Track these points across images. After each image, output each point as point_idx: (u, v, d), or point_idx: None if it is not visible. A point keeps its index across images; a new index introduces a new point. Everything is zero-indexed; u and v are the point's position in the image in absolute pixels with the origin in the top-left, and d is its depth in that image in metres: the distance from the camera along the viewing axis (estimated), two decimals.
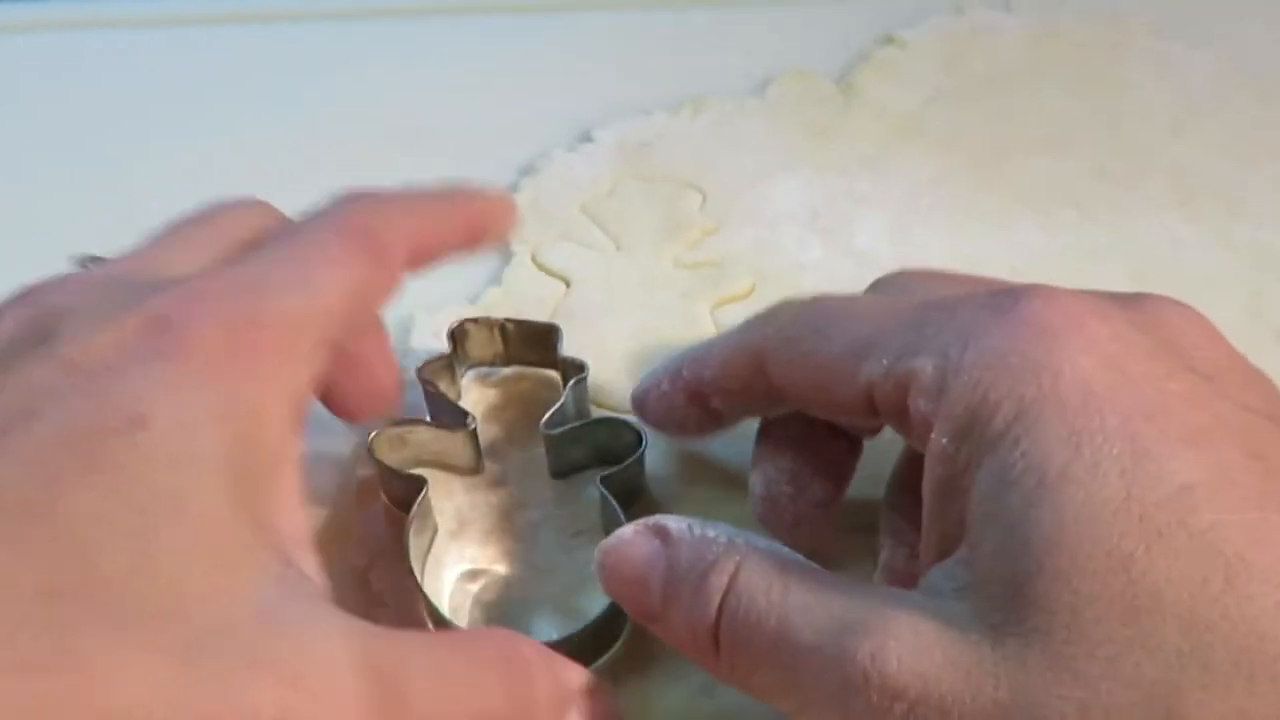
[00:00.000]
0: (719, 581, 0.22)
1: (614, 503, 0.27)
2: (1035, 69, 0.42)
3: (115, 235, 0.25)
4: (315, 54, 0.44)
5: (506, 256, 0.36)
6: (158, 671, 0.17)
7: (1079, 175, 0.38)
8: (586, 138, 0.40)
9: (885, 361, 0.22)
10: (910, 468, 0.27)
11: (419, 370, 0.30)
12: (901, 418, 0.22)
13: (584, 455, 0.30)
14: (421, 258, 0.25)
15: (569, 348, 0.31)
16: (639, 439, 0.29)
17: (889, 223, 0.37)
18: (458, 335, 0.31)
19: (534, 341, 0.31)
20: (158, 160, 0.40)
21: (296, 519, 0.23)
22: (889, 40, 0.43)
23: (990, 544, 0.19)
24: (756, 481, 0.28)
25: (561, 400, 0.29)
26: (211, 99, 0.42)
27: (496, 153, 0.39)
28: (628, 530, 0.23)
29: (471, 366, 0.32)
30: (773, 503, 0.28)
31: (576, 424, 0.30)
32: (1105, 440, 0.19)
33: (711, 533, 0.23)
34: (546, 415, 0.29)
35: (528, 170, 0.39)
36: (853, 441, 0.28)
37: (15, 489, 0.18)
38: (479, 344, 0.32)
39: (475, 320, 0.31)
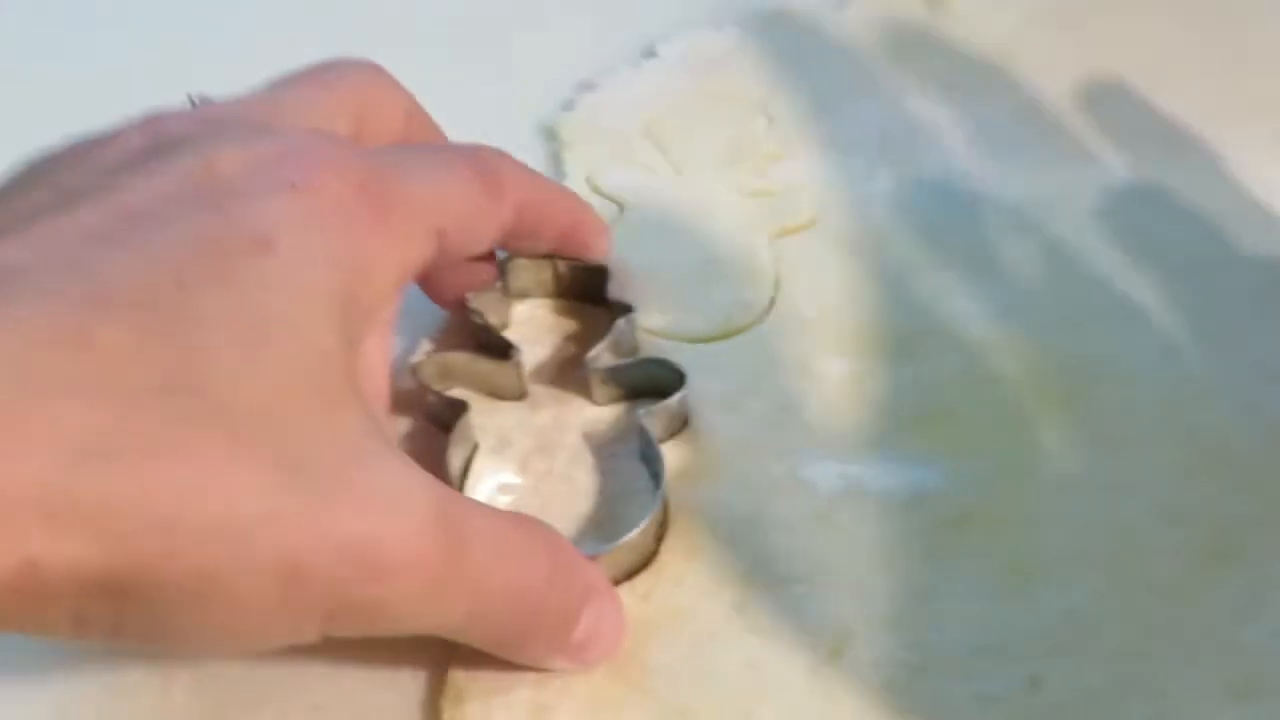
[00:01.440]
0: None
1: (650, 434, 0.28)
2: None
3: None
4: None
5: (559, 176, 0.35)
6: (261, 482, 0.18)
7: (1178, 113, 0.36)
8: (651, 53, 0.38)
9: None
10: None
11: (468, 299, 0.30)
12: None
13: (626, 390, 0.30)
14: (524, 222, 0.27)
15: (622, 272, 0.31)
16: (681, 378, 0.29)
17: (965, 154, 0.35)
18: (509, 268, 0.31)
19: (584, 281, 0.31)
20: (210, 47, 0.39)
21: (379, 380, 0.25)
22: None
23: None
24: None
25: (607, 336, 0.29)
26: (252, 19, 0.42)
27: (555, 66, 0.38)
28: None
29: (520, 298, 0.32)
30: None
31: (622, 362, 0.30)
32: None
33: None
34: (592, 351, 0.29)
35: (588, 86, 0.37)
36: None
37: (146, 285, 0.18)
38: (529, 278, 0.31)
39: (527, 255, 0.31)
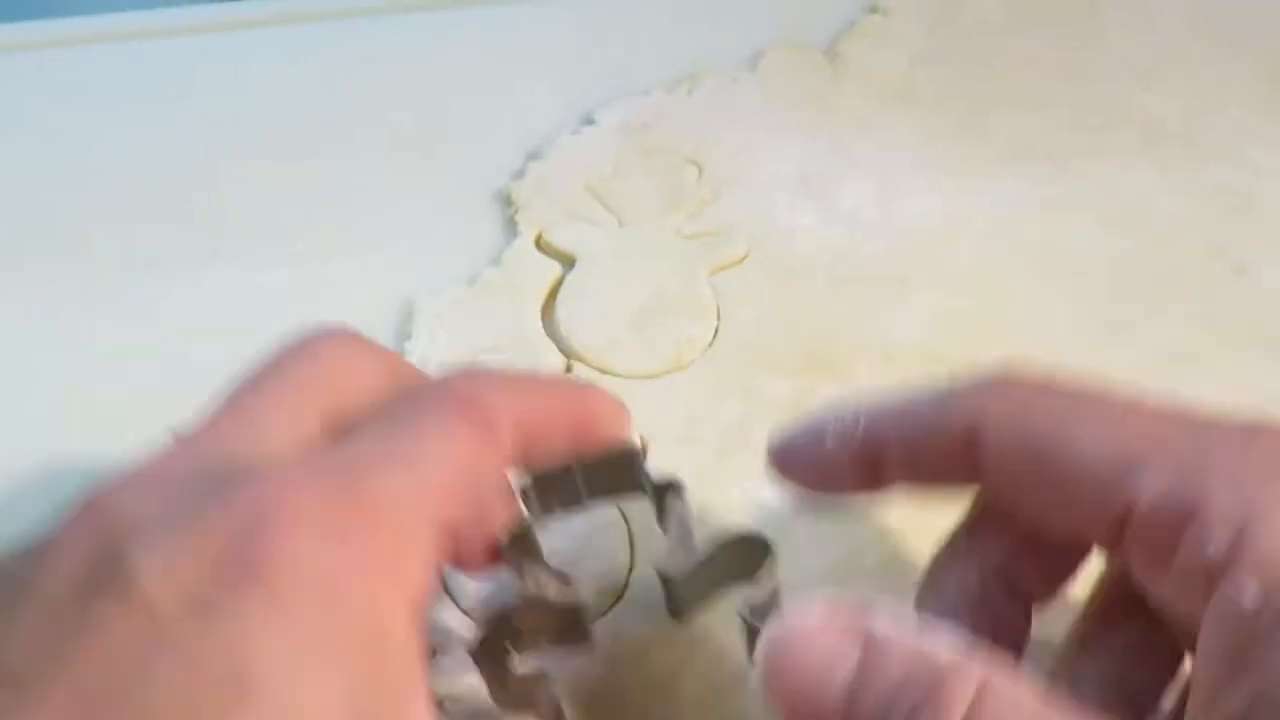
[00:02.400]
0: (950, 715, 0.17)
1: (756, 625, 0.23)
2: (1014, 25, 0.44)
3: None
4: (323, 49, 0.47)
5: (510, 237, 0.39)
6: None
7: (1054, 128, 0.41)
8: (589, 120, 0.42)
9: (1162, 483, 0.18)
10: (1104, 621, 0.23)
11: (503, 554, 0.24)
12: (1157, 559, 0.19)
13: (707, 584, 0.26)
14: (529, 440, 0.23)
15: (573, 319, 0.33)
16: (766, 547, 0.24)
17: (876, 184, 0.39)
18: (528, 492, 0.25)
19: (612, 475, 0.26)
20: (174, 163, 0.43)
21: None
22: (873, 8, 0.45)
23: None
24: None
25: (667, 534, 0.25)
26: (220, 100, 0.46)
27: (504, 139, 0.42)
28: (810, 618, 0.19)
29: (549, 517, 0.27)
30: None
31: (701, 557, 0.25)
32: None
33: (933, 639, 0.18)
34: (661, 555, 0.25)
35: (534, 155, 0.42)
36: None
37: None
38: (554, 494, 0.26)
39: (542, 473, 0.25)
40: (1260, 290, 0.36)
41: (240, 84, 0.46)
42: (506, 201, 0.40)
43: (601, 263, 0.38)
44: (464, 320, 0.37)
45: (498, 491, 0.23)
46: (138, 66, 0.47)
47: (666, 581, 0.25)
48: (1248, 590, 0.17)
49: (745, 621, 0.23)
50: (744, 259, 0.38)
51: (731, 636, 0.25)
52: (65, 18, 0.49)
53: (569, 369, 0.36)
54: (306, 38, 0.48)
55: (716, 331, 0.36)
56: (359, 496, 0.19)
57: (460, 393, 0.22)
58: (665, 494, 0.26)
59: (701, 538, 0.25)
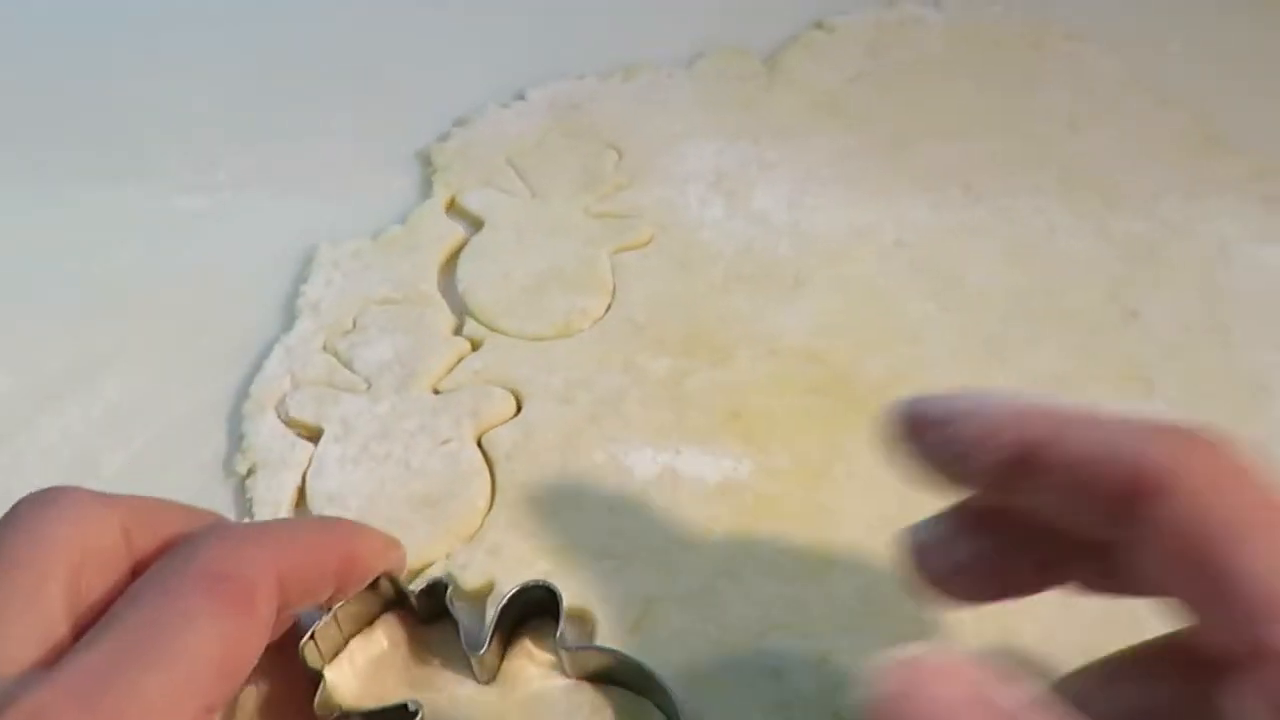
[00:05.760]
0: None
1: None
2: (953, 61, 0.45)
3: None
4: (273, 4, 0.48)
5: (425, 198, 0.39)
6: None
7: (975, 161, 0.41)
8: (521, 96, 0.43)
9: None
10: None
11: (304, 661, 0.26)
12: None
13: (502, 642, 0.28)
14: (293, 598, 0.23)
15: (472, 277, 0.34)
16: (552, 593, 0.27)
17: (789, 190, 0.40)
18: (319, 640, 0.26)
19: (427, 604, 0.28)
20: (106, 81, 0.43)
21: None
22: (819, 25, 0.46)
23: None
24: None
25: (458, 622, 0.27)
26: (162, 29, 0.46)
27: (436, 105, 0.43)
28: (933, 671, 0.17)
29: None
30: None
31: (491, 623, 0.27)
32: None
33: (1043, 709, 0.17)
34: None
35: (462, 121, 0.42)
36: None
37: None
38: (358, 622, 0.28)
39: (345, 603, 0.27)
40: (1148, 335, 0.36)
41: (185, 18, 0.46)
42: (426, 162, 0.41)
43: (508, 230, 0.38)
44: (362, 270, 0.37)
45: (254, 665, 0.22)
46: None
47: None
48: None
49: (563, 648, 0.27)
50: (648, 243, 0.38)
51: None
52: None
53: (459, 328, 0.36)
54: None
55: (609, 307, 0.36)
56: (115, 715, 0.19)
57: (211, 568, 0.21)
58: (435, 593, 0.27)
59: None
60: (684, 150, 0.41)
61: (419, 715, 0.25)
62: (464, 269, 0.37)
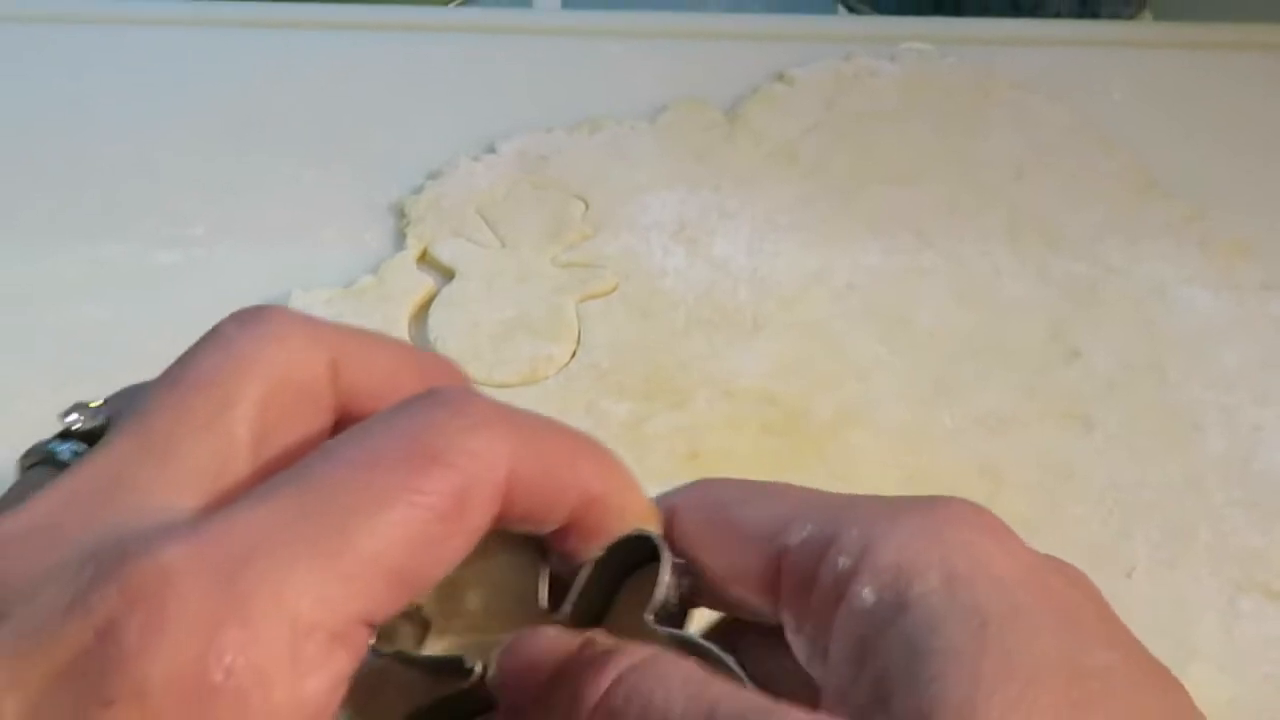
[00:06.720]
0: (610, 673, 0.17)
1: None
2: (906, 110, 0.47)
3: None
4: (246, 54, 0.49)
5: (397, 249, 0.41)
6: None
7: (925, 206, 0.43)
8: (491, 148, 0.45)
9: (806, 531, 0.19)
10: None
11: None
12: (802, 591, 0.19)
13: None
14: (513, 516, 0.18)
15: (443, 326, 0.36)
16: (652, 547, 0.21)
17: (748, 236, 0.42)
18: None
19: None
20: (85, 138, 0.45)
21: None
22: (779, 77, 0.48)
23: (916, 700, 0.17)
24: None
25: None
26: (137, 88, 0.48)
27: (408, 158, 0.44)
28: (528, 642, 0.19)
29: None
30: None
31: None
32: (1040, 616, 0.18)
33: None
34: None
35: (434, 174, 0.44)
36: None
37: None
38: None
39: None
40: (1089, 374, 0.38)
41: (160, 75, 0.48)
42: (400, 214, 0.42)
43: (477, 279, 0.40)
44: (334, 319, 0.38)
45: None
46: (62, 50, 0.50)
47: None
48: (866, 592, 0.18)
49: (656, 630, 0.21)
50: (613, 290, 0.40)
51: None
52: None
53: None
54: (229, 40, 0.50)
55: (575, 354, 0.38)
56: (248, 602, 0.15)
57: (429, 444, 0.17)
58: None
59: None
60: (647, 200, 0.43)
61: (473, 673, 0.19)
62: (435, 318, 0.39)
